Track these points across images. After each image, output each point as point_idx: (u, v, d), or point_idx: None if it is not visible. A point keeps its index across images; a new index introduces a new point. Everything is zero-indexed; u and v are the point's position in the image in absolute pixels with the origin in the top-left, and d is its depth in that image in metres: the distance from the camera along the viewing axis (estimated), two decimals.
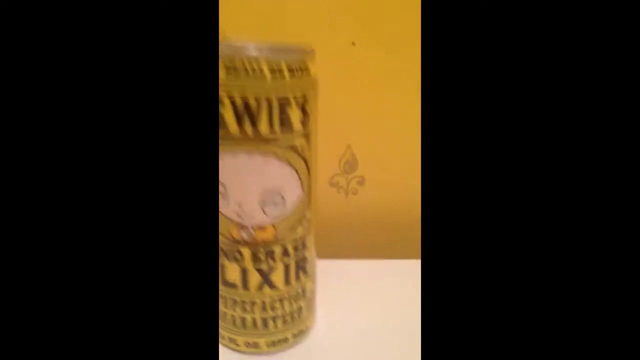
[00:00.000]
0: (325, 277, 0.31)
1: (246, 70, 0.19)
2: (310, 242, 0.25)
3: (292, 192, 0.22)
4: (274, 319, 0.25)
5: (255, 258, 0.23)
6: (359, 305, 0.31)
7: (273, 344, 0.26)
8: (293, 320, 0.26)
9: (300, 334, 0.27)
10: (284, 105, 0.20)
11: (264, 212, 0.22)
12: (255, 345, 0.26)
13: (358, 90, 0.35)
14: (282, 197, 0.22)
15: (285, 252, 0.24)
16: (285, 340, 0.26)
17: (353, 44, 0.33)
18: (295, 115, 0.20)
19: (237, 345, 0.26)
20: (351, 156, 0.38)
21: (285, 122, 0.20)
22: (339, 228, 0.40)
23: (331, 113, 0.35)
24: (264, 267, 0.23)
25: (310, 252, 0.25)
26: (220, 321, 0.26)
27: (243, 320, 0.25)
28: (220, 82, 0.19)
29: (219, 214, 0.22)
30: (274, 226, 0.23)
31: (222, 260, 0.24)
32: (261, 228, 0.22)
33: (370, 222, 0.41)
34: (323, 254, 0.30)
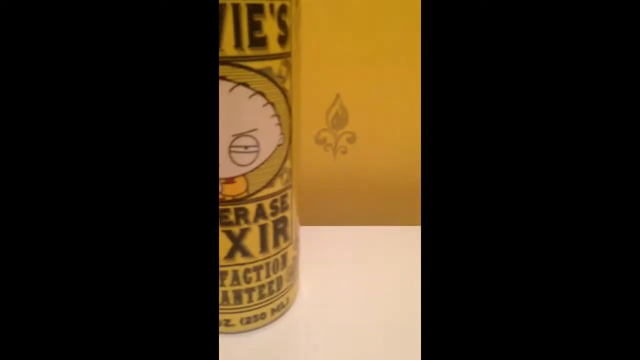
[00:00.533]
0: (308, 246, 0.27)
1: None
2: (292, 200, 0.21)
3: (269, 135, 0.18)
4: (248, 291, 0.21)
5: (223, 219, 0.19)
6: (346, 276, 0.27)
7: (248, 320, 0.22)
8: (271, 293, 0.22)
9: (280, 309, 0.23)
10: (254, 12, 0.15)
11: (233, 160, 0.17)
12: (227, 323, 0.21)
13: (350, 26, 0.30)
14: (256, 141, 0.17)
15: (261, 212, 0.19)
16: (263, 316, 0.22)
17: None
18: (270, 27, 0.16)
19: None
20: (341, 108, 0.33)
21: (256, 36, 0.15)
22: (325, 192, 0.36)
23: (317, 54, 0.30)
24: (234, 230, 0.19)
25: (292, 213, 0.21)
26: None
27: None
28: None
29: None
30: (245, 178, 0.18)
31: None
32: (230, 181, 0.18)
33: (361, 186, 0.36)
34: (306, 221, 0.25)
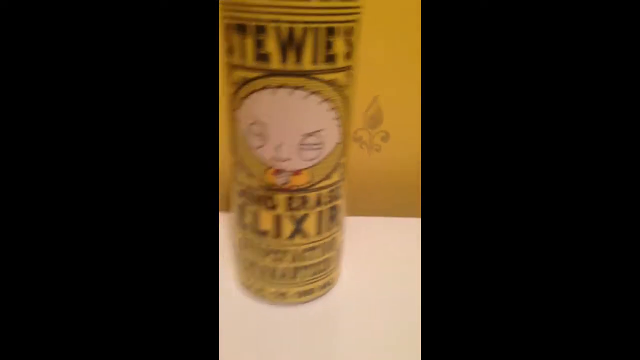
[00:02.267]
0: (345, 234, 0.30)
1: None
2: (343, 191, 0.24)
3: (331, 135, 0.21)
4: (304, 268, 0.24)
5: (289, 205, 0.22)
6: (378, 262, 0.30)
7: (301, 294, 0.25)
8: (321, 271, 0.25)
9: (326, 286, 0.26)
10: (329, 34, 0.18)
11: (302, 156, 0.21)
12: (284, 296, 0.25)
13: (392, 34, 0.33)
14: (320, 139, 0.21)
15: (319, 200, 0.23)
16: (312, 291, 0.25)
17: None
18: (339, 46, 0.19)
19: (265, 295, 0.25)
20: (377, 110, 0.36)
21: (328, 53, 0.19)
22: (359, 185, 0.39)
23: (359, 60, 0.33)
24: (297, 214, 0.22)
25: (342, 201, 0.24)
26: (247, 272, 0.25)
27: (273, 270, 0.24)
28: (266, 4, 0.17)
29: (254, 159, 0.21)
30: (309, 171, 0.21)
31: (255, 208, 0.22)
32: (297, 173, 0.21)
33: (392, 181, 0.39)
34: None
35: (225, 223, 0.34)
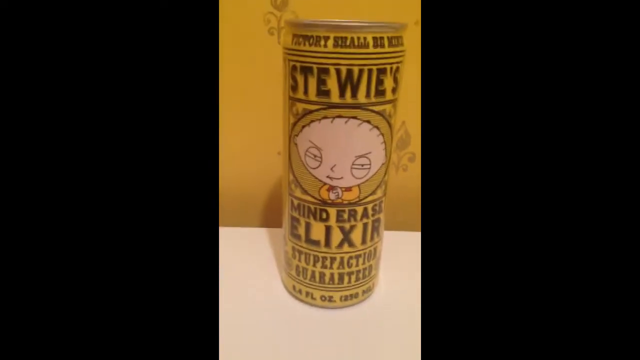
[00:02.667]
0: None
1: (352, 39, 0.21)
2: (384, 205, 0.27)
3: (378, 156, 0.24)
4: (349, 274, 0.27)
5: (339, 217, 0.25)
6: (410, 271, 0.33)
7: (346, 298, 0.28)
8: (364, 277, 0.28)
9: (368, 291, 0.29)
10: (380, 73, 0.22)
11: (353, 175, 0.24)
12: (330, 299, 0.28)
13: (416, 67, 0.37)
14: (369, 160, 0.24)
15: (365, 213, 0.26)
16: (356, 295, 0.28)
17: (416, 23, 0.35)
18: (388, 83, 0.22)
19: (314, 298, 0.28)
20: (405, 133, 0.40)
21: (379, 89, 0.22)
22: (387, 202, 0.42)
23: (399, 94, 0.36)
24: (346, 225, 0.26)
25: (383, 215, 0.28)
26: (298, 277, 0.28)
27: (322, 275, 0.27)
28: (329, 51, 0.21)
29: (311, 176, 0.24)
30: (359, 187, 0.25)
31: (309, 219, 0.26)
32: (348, 189, 0.25)
33: (418, 198, 0.43)
34: None
35: (269, 237, 0.38)
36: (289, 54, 0.23)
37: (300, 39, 0.22)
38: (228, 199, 0.42)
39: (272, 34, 0.34)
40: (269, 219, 0.43)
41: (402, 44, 0.23)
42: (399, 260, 0.34)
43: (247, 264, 0.33)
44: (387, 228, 0.39)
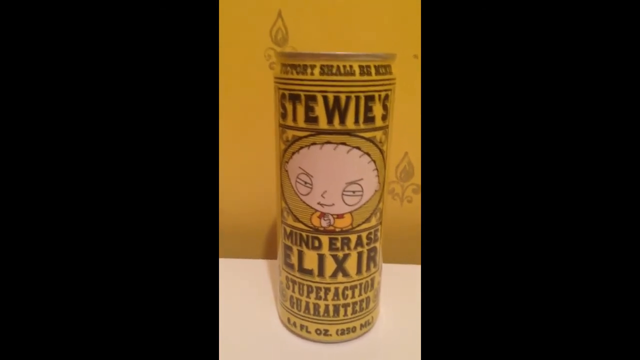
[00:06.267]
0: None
1: (339, 67, 0.21)
2: (380, 234, 0.27)
3: (370, 183, 0.24)
4: (345, 306, 0.26)
5: (332, 245, 0.25)
6: (414, 306, 0.31)
7: (342, 332, 0.27)
8: (361, 309, 0.27)
9: (366, 325, 0.28)
10: (368, 100, 0.22)
11: (344, 202, 0.24)
12: (326, 333, 0.27)
13: (418, 99, 0.37)
14: (361, 187, 0.24)
15: (360, 241, 0.25)
16: (353, 329, 0.27)
17: (415, 56, 0.35)
18: (377, 110, 0.22)
19: (309, 332, 0.27)
20: (408, 164, 0.39)
21: (368, 116, 0.22)
22: (392, 234, 0.42)
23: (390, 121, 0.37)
24: (339, 254, 0.25)
25: (380, 244, 0.27)
26: (293, 308, 0.27)
27: (316, 307, 0.26)
28: (315, 79, 0.21)
29: (302, 203, 0.24)
30: (351, 215, 0.24)
31: (301, 247, 0.25)
32: (340, 216, 0.24)
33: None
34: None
35: (269, 268, 0.37)
36: (279, 83, 0.23)
37: (289, 68, 0.22)
38: (228, 229, 0.42)
39: (272, 68, 0.36)
40: (271, 250, 0.43)
41: (390, 73, 0.23)
42: (405, 295, 0.33)
43: (244, 296, 0.32)
44: (394, 261, 0.38)
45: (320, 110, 0.22)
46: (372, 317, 0.28)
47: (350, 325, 0.27)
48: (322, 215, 0.24)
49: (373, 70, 0.22)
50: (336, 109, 0.22)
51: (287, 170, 0.24)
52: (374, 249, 0.26)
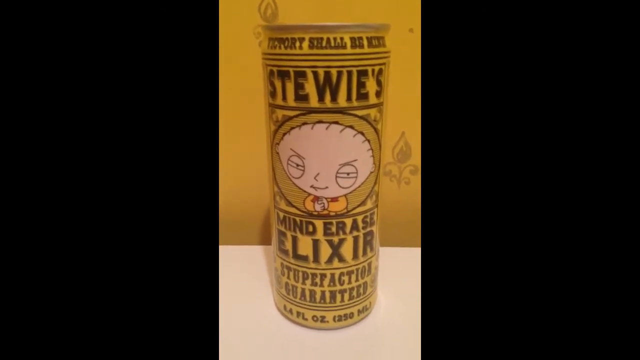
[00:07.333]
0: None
1: (329, 40, 0.20)
2: (377, 218, 0.26)
3: (365, 164, 0.23)
4: (341, 292, 0.25)
5: (327, 230, 0.24)
6: (413, 291, 0.31)
7: (339, 318, 0.26)
8: (358, 295, 0.26)
9: (364, 311, 0.27)
10: (361, 75, 0.21)
11: (338, 184, 0.23)
12: (323, 320, 0.26)
13: (414, 76, 0.35)
14: (355, 169, 0.23)
15: (355, 225, 0.24)
16: (351, 315, 0.26)
17: (411, 30, 0.34)
18: (371, 85, 0.21)
19: (305, 319, 0.26)
20: (405, 144, 0.38)
21: (361, 92, 0.21)
22: (390, 217, 0.41)
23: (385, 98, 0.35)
24: (334, 239, 0.24)
25: (376, 228, 0.26)
26: (288, 295, 0.26)
27: (312, 293, 0.25)
28: (304, 53, 0.20)
29: (295, 186, 0.23)
30: (346, 198, 0.23)
31: (295, 233, 0.24)
32: (334, 200, 0.23)
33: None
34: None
35: (264, 254, 0.36)
36: (267, 59, 0.22)
37: (276, 42, 0.21)
38: (223, 215, 0.41)
39: None
40: (267, 236, 0.42)
41: (384, 45, 0.21)
42: (404, 279, 0.32)
43: (241, 284, 0.32)
44: (392, 244, 0.37)
45: (310, 87, 0.20)
46: (370, 303, 0.28)
47: (348, 311, 0.26)
48: (316, 199, 0.23)
49: (365, 43, 0.20)
50: (327, 86, 0.20)
51: (278, 153, 0.23)
52: (371, 233, 0.25)
